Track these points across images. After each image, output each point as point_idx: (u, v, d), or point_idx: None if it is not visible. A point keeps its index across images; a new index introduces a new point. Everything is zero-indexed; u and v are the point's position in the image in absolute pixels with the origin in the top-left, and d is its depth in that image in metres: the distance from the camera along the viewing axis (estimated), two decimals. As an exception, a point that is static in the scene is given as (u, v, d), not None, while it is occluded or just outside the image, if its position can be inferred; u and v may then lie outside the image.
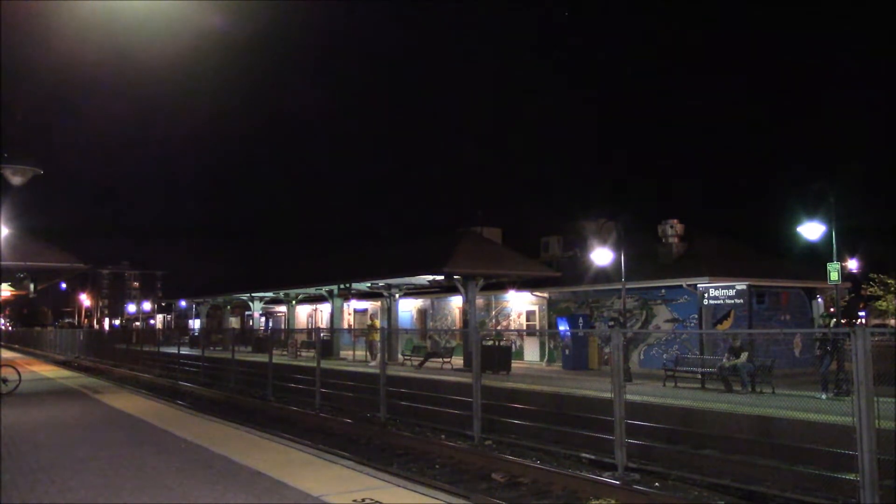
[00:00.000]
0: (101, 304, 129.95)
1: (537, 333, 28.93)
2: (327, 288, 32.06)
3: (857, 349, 7.99)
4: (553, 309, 28.83)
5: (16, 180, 13.55)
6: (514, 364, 24.21)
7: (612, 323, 24.57)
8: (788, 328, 24.33)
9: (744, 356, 17.13)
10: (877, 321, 58.78)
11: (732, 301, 21.25)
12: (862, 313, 61.47)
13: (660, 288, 24.91)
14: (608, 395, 11.28)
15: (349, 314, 40.41)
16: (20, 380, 17.82)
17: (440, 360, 25.51)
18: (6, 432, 10.67)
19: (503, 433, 14.20)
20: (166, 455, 9.02)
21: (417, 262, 26.37)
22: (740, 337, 17.56)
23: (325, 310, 40.89)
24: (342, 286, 30.88)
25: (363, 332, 32.09)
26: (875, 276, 48.61)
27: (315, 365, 19.22)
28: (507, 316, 31.01)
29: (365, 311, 39.65)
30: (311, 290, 36.04)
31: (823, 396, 14.82)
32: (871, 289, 49.43)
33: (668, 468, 10.97)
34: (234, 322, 51.73)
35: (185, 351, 34.78)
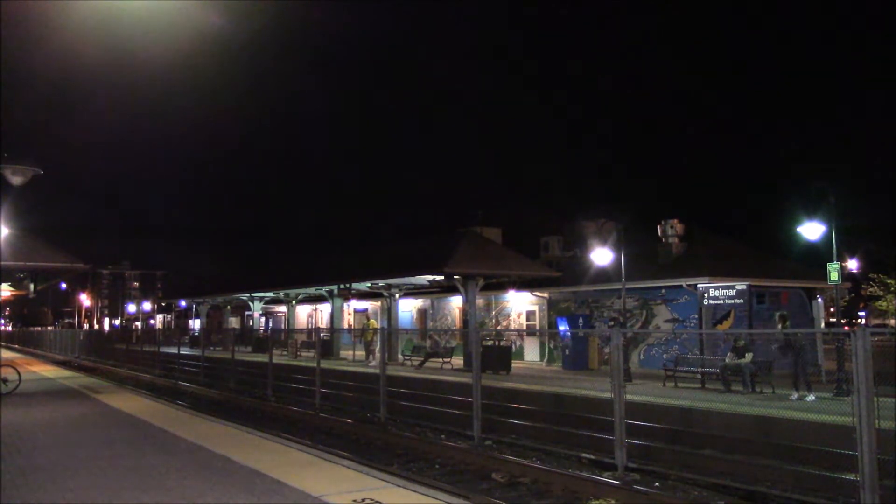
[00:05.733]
0: (101, 304, 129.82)
1: (537, 333, 28.93)
2: (327, 288, 32.06)
3: (857, 349, 7.97)
4: (553, 309, 28.82)
5: (16, 180, 13.58)
6: (514, 364, 24.21)
7: (612, 323, 24.59)
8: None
9: (749, 356, 17.12)
10: (877, 321, 58.76)
11: (732, 301, 21.24)
12: (862, 313, 61.52)
13: (660, 288, 24.91)
14: (608, 395, 11.27)
15: (349, 314, 40.39)
16: (20, 380, 17.82)
17: (440, 360, 25.50)
18: (6, 432, 10.67)
19: (503, 433, 14.19)
20: (166, 455, 9.02)
21: (417, 262, 26.37)
22: (744, 337, 17.57)
23: (325, 310, 40.88)
24: (342, 286, 30.87)
25: (361, 333, 32.09)
26: (875, 276, 48.54)
27: (315, 365, 19.21)
28: (507, 316, 31.01)
29: (365, 311, 39.63)
30: (311, 290, 36.04)
31: (794, 396, 15.29)
32: (871, 289, 49.37)
33: (668, 468, 10.96)
34: (234, 322, 51.73)
35: (185, 351, 34.74)
